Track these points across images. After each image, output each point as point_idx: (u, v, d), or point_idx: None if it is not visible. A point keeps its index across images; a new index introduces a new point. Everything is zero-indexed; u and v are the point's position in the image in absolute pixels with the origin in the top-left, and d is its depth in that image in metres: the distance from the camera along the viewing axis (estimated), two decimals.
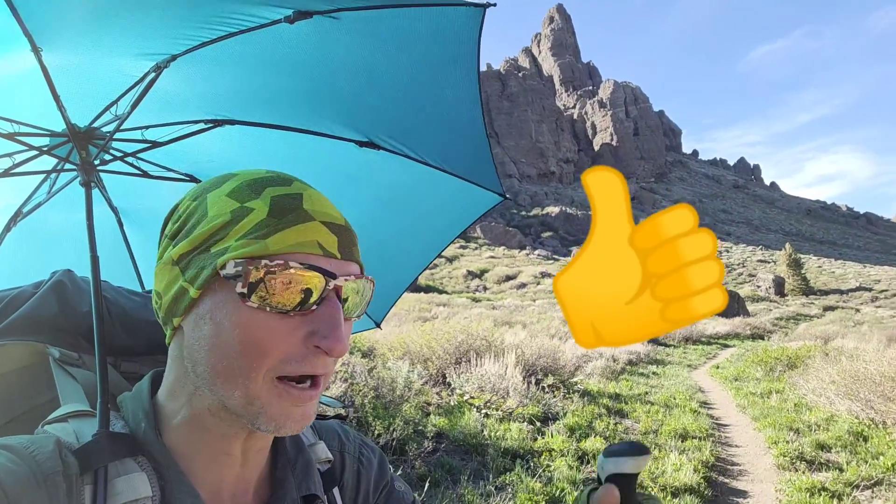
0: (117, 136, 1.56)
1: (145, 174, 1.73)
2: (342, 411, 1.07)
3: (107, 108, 1.49)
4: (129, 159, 1.67)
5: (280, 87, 1.59)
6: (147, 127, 1.62)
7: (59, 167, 1.58)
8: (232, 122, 1.71)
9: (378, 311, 2.24)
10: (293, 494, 0.77)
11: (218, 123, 1.70)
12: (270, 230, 0.65)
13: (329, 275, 0.65)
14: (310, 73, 1.51)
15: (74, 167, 1.47)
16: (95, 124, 1.47)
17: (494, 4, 1.21)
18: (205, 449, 0.70)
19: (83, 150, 1.40)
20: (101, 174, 1.70)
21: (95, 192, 1.63)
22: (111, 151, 1.58)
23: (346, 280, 0.67)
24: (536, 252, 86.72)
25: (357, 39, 1.39)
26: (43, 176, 1.73)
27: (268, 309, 0.63)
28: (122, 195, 1.86)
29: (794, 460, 6.19)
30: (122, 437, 0.69)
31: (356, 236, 0.73)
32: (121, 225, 1.88)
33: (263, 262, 0.63)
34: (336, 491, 0.87)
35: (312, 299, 0.65)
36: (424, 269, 2.12)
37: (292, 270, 0.64)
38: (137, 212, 1.93)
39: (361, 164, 1.81)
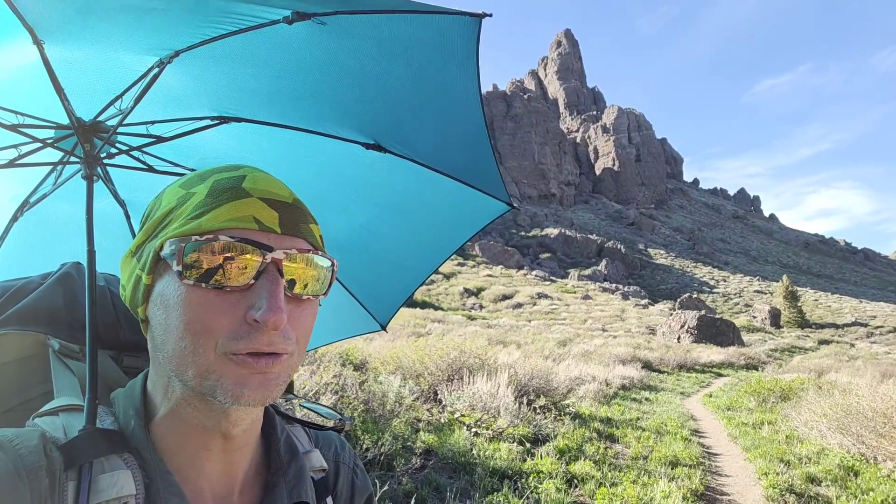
0: (123, 130, 1.58)
1: (151, 169, 1.73)
2: (340, 424, 1.06)
3: (111, 103, 1.50)
4: (136, 154, 1.68)
5: (285, 88, 1.60)
6: (153, 122, 1.64)
7: (64, 160, 1.59)
8: (238, 120, 1.72)
9: (384, 314, 2.26)
10: (284, 500, 0.75)
11: (224, 120, 1.71)
12: (206, 209, 0.66)
13: (264, 248, 0.64)
14: (314, 76, 1.52)
15: (78, 160, 1.48)
16: (101, 118, 1.48)
17: (490, 15, 1.22)
18: (186, 444, 0.70)
19: (87, 143, 1.41)
20: (109, 168, 1.72)
21: (101, 186, 1.64)
22: (117, 145, 1.59)
23: (286, 254, 0.65)
24: (534, 273, 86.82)
25: (357, 43, 1.40)
26: (49, 168, 1.74)
27: (204, 285, 0.63)
28: (130, 189, 1.87)
29: (783, 492, 6.14)
30: (109, 434, 0.68)
31: (307, 214, 0.72)
32: (128, 218, 1.89)
33: (194, 238, 0.63)
34: (330, 500, 0.86)
35: (248, 273, 0.64)
36: (430, 275, 2.14)
37: (223, 244, 0.63)
38: (145, 206, 1.94)
39: (368, 168, 1.81)
